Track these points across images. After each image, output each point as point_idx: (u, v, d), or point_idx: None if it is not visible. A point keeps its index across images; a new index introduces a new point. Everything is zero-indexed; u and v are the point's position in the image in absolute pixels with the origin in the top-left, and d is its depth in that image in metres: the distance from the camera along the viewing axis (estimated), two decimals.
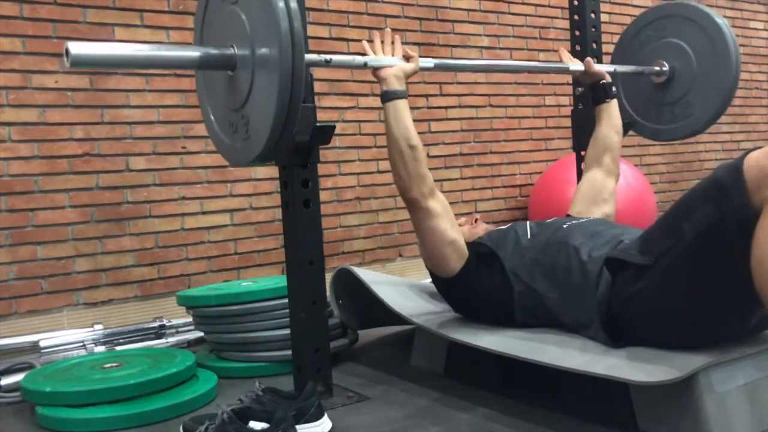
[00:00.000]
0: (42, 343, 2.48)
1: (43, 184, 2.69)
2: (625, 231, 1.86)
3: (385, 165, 3.52)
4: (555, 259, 1.82)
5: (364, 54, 1.93)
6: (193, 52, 1.60)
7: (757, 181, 1.32)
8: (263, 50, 1.49)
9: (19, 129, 2.65)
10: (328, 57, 1.81)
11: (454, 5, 3.82)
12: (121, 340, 2.58)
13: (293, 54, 1.43)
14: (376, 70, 1.89)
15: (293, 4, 1.45)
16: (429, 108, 3.71)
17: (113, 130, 2.82)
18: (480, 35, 3.92)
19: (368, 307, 2.37)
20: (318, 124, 1.85)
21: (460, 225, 2.15)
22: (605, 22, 3.76)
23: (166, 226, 2.93)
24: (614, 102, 2.32)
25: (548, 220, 2.02)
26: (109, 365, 2.10)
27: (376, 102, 3.50)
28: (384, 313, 2.25)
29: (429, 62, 2.01)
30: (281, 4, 1.43)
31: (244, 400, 1.67)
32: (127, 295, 2.83)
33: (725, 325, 1.56)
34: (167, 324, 2.68)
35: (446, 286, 1.99)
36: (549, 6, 4.19)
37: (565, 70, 2.41)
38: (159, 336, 2.65)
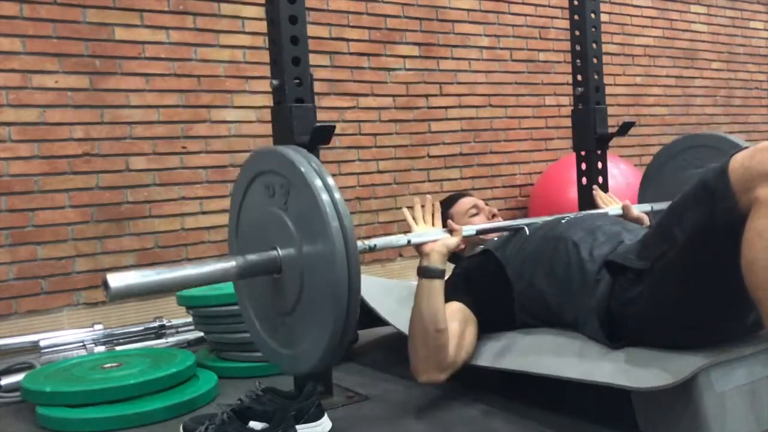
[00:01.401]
0: (42, 343, 2.48)
1: (43, 184, 2.69)
2: (623, 227, 1.86)
3: (384, 165, 3.53)
4: (554, 255, 1.82)
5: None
6: (235, 263, 1.50)
7: (743, 183, 1.33)
8: (313, 249, 1.42)
9: (19, 129, 2.65)
10: (372, 243, 1.72)
11: (454, 5, 3.82)
12: (121, 340, 2.57)
13: (347, 254, 1.37)
14: (419, 245, 1.82)
15: (339, 202, 1.40)
16: (429, 108, 3.71)
17: (113, 130, 2.82)
18: (480, 35, 3.92)
19: (368, 308, 2.37)
20: (318, 124, 1.85)
21: (475, 214, 2.15)
22: (605, 22, 3.76)
23: (166, 226, 2.93)
24: None
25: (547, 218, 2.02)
26: (109, 365, 2.10)
27: (376, 102, 3.52)
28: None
29: (471, 230, 1.92)
30: (329, 207, 1.39)
31: (244, 400, 1.66)
32: None
33: (722, 325, 1.56)
34: (167, 324, 2.67)
35: None
36: (549, 6, 4.19)
37: (605, 215, 2.35)
38: (159, 336, 2.65)
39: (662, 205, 2.54)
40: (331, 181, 1.43)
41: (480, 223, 2.12)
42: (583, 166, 2.68)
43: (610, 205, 2.34)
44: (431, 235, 1.83)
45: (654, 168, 2.77)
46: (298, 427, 1.63)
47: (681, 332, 1.56)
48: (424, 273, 1.78)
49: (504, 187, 4.00)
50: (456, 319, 1.82)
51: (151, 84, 2.91)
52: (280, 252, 1.51)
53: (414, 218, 1.89)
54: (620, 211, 2.26)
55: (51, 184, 2.70)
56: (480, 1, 3.93)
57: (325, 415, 1.72)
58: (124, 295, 1.37)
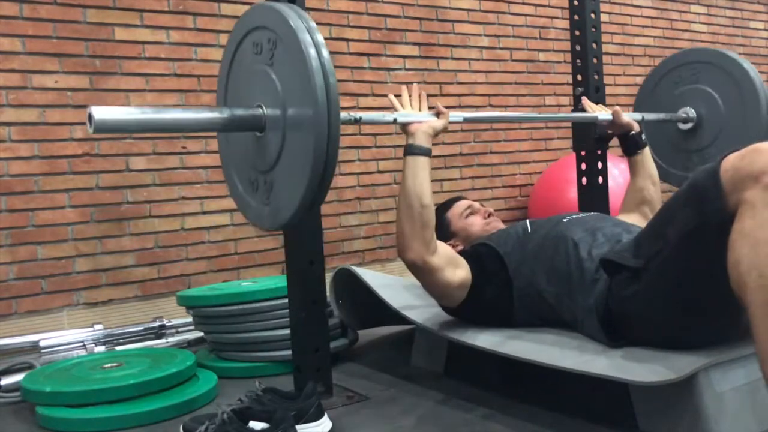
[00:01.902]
0: (42, 343, 2.48)
1: (43, 184, 2.69)
2: (625, 229, 1.86)
3: (384, 165, 3.53)
4: (554, 253, 1.82)
5: (390, 107, 1.87)
6: (220, 114, 1.52)
7: (733, 184, 1.33)
8: (296, 110, 1.42)
9: (19, 129, 2.65)
10: (358, 115, 1.73)
11: (454, 5, 3.82)
12: (121, 340, 2.58)
13: (329, 114, 1.36)
14: (405, 125, 1.83)
15: (327, 60, 1.38)
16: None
17: None
18: (480, 35, 3.92)
19: (368, 307, 2.37)
20: None
21: (471, 214, 2.15)
22: (605, 22, 3.76)
23: (166, 226, 2.93)
24: (647, 151, 2.28)
25: (549, 217, 2.02)
26: (109, 365, 2.10)
27: (376, 102, 3.52)
28: (384, 313, 2.25)
29: (458, 116, 1.94)
30: (314, 62, 1.36)
31: (244, 400, 1.67)
32: (127, 295, 2.83)
33: (718, 324, 1.56)
34: (167, 324, 2.68)
35: (452, 310, 1.99)
36: (549, 6, 4.19)
37: (593, 120, 2.36)
38: (159, 336, 2.65)
39: (653, 116, 2.57)
40: (320, 38, 1.41)
41: (477, 223, 2.12)
42: (583, 166, 2.68)
43: (599, 111, 2.35)
44: (418, 116, 1.85)
45: (649, 84, 2.79)
46: (298, 427, 1.63)
47: (678, 330, 1.57)
48: (410, 150, 1.80)
49: (504, 187, 4.00)
50: (453, 251, 1.88)
51: (151, 84, 2.90)
52: (265, 110, 1.51)
53: (401, 104, 1.89)
54: (610, 117, 2.28)
55: (51, 184, 2.70)
56: (480, 1, 3.93)
57: (325, 415, 1.72)
58: (108, 129, 1.36)
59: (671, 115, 2.63)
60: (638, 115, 2.44)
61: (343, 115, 1.60)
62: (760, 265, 1.26)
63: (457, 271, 1.84)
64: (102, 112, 1.33)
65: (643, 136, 2.30)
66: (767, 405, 1.54)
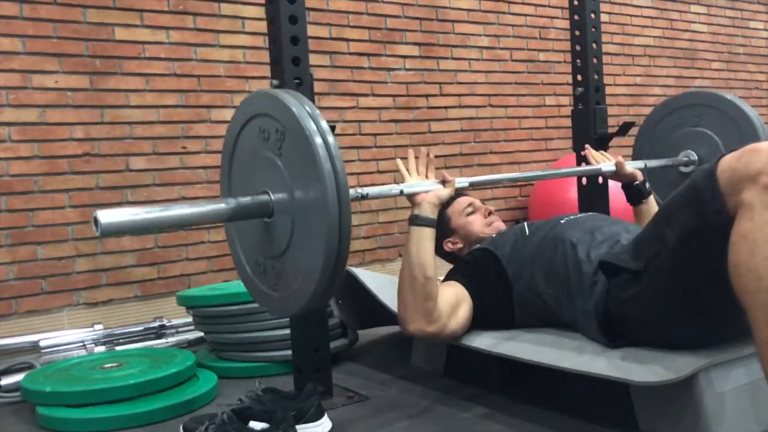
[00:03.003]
0: (42, 343, 2.48)
1: (43, 184, 2.69)
2: (623, 228, 1.86)
3: (384, 165, 3.53)
4: (552, 255, 1.82)
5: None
6: (227, 204, 1.50)
7: (731, 185, 1.33)
8: (305, 195, 1.42)
9: (19, 129, 2.65)
10: (365, 191, 1.72)
11: (454, 5, 3.82)
12: (121, 340, 2.58)
13: (339, 198, 1.36)
14: (411, 195, 1.82)
15: (333, 147, 1.39)
16: (429, 108, 3.71)
17: (113, 130, 2.82)
18: (480, 35, 3.92)
19: (368, 307, 2.37)
20: None
21: (471, 212, 2.15)
22: (605, 22, 3.76)
23: None
24: (651, 199, 2.27)
25: (547, 219, 2.02)
26: (109, 365, 2.10)
27: (376, 102, 3.52)
28: (384, 313, 2.25)
29: (464, 182, 1.93)
30: (321, 149, 1.37)
31: (244, 400, 1.67)
32: (127, 295, 2.83)
33: (718, 325, 1.56)
34: (167, 324, 2.68)
35: None
36: (549, 6, 4.19)
37: (597, 173, 2.36)
38: (159, 336, 2.65)
39: (656, 162, 2.56)
40: (324, 125, 1.42)
41: (477, 222, 2.13)
42: (583, 166, 2.68)
43: (602, 161, 2.35)
44: (424, 185, 1.84)
45: (649, 125, 2.78)
46: (298, 427, 1.63)
47: (677, 331, 1.57)
48: (414, 221, 1.79)
49: (504, 187, 4.00)
50: (452, 290, 1.84)
51: (151, 84, 2.90)
52: (272, 196, 1.50)
53: (408, 170, 1.88)
54: (614, 168, 2.28)
55: (51, 184, 2.70)
56: (480, 1, 3.93)
57: (325, 415, 1.72)
58: (115, 232, 1.37)
59: (673, 160, 2.63)
60: (641, 163, 2.43)
61: (351, 192, 1.58)
62: (759, 268, 1.26)
63: (460, 314, 1.84)
64: (108, 216, 1.33)
65: (647, 185, 2.29)
66: (767, 405, 1.54)
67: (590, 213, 2.06)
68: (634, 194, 2.28)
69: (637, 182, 2.27)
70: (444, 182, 1.85)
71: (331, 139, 1.40)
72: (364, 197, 1.72)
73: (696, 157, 2.62)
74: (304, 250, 1.44)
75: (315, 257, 1.40)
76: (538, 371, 1.72)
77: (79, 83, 2.75)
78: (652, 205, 2.27)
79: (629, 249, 1.65)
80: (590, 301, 1.69)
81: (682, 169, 2.65)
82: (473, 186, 1.99)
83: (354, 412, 1.87)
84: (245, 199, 1.51)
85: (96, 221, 1.33)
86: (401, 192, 1.80)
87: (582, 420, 1.69)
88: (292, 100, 1.45)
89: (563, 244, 1.81)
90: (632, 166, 2.32)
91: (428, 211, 1.80)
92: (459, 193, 2.32)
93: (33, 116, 2.67)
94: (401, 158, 1.91)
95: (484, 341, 1.85)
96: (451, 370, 2.10)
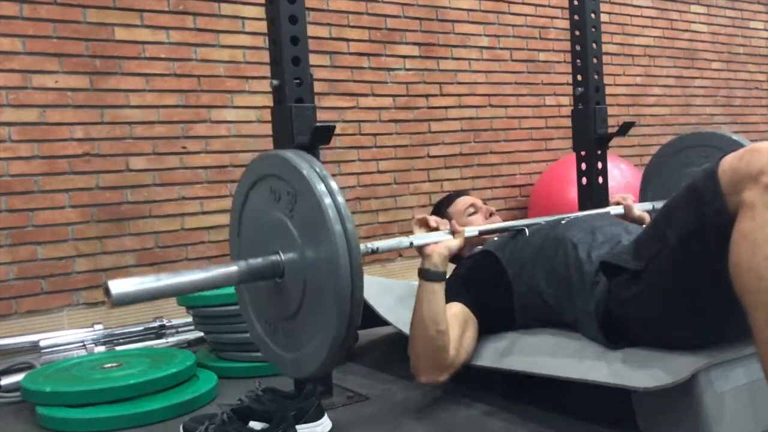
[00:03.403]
0: (42, 343, 2.48)
1: (43, 184, 2.69)
2: (624, 228, 1.86)
3: (384, 165, 3.53)
4: (553, 255, 1.82)
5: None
6: (238, 267, 1.50)
7: (732, 185, 1.33)
8: (316, 255, 1.42)
9: (19, 129, 2.65)
10: (375, 246, 1.71)
11: (454, 5, 3.82)
12: (121, 340, 2.57)
13: (350, 257, 1.38)
14: (421, 247, 1.81)
15: (343, 206, 1.40)
16: (429, 108, 3.71)
17: (113, 130, 2.82)
18: (480, 35, 3.92)
19: (368, 307, 2.37)
20: (318, 124, 1.85)
21: (473, 213, 2.15)
22: (605, 22, 3.76)
23: (166, 226, 2.93)
24: None
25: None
26: (109, 365, 2.10)
27: (377, 102, 3.52)
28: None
29: (473, 231, 1.91)
30: (332, 210, 1.39)
31: (244, 400, 1.66)
32: None
33: (719, 325, 1.56)
34: (167, 324, 2.67)
35: None
36: (549, 6, 4.19)
37: (606, 216, 2.36)
38: (159, 336, 2.65)
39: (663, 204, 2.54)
40: (334, 185, 1.43)
41: (478, 222, 2.13)
42: (583, 166, 2.68)
43: (611, 205, 2.34)
44: (433, 236, 1.83)
45: (655, 165, 2.76)
46: (298, 427, 1.63)
47: (678, 331, 1.57)
48: (426, 276, 1.78)
49: (504, 187, 4.00)
50: (456, 321, 1.82)
51: (151, 84, 2.90)
52: (283, 257, 1.51)
53: (419, 222, 1.89)
54: (622, 211, 2.26)
55: (51, 184, 2.70)
56: (480, 1, 3.93)
57: (325, 415, 1.72)
58: (127, 302, 1.37)
59: None
60: (648, 205, 2.40)
61: (361, 248, 1.56)
62: (760, 267, 1.26)
63: (467, 339, 1.82)
64: (119, 286, 1.35)
65: None
66: (767, 405, 1.54)
67: (591, 212, 2.05)
68: None
69: (644, 225, 2.22)
70: (454, 233, 1.84)
71: (340, 199, 1.41)
72: (374, 252, 1.71)
73: None
74: (315, 313, 1.45)
75: (327, 322, 1.41)
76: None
77: (79, 83, 2.75)
78: None
79: (630, 249, 1.65)
80: (591, 301, 1.69)
81: None
82: (482, 234, 1.97)
83: (354, 412, 1.87)
84: (256, 261, 1.51)
85: (108, 292, 1.34)
86: (411, 244, 1.80)
87: (582, 420, 1.69)
88: (303, 163, 1.46)
89: (564, 245, 1.80)
90: (640, 209, 2.29)
91: (439, 264, 1.79)
92: (461, 192, 2.32)
93: (33, 116, 2.67)
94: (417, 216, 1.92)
95: (485, 356, 1.84)
96: None
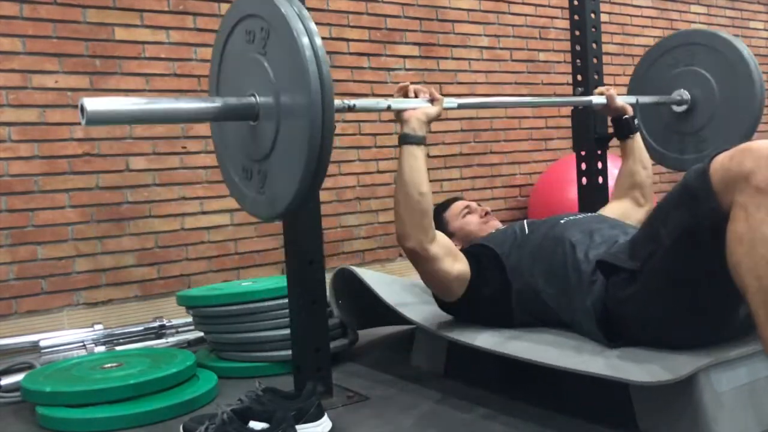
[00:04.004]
0: (42, 343, 2.48)
1: (43, 184, 2.69)
2: (622, 231, 1.86)
3: (384, 165, 3.53)
4: (552, 255, 1.82)
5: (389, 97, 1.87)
6: (213, 103, 1.50)
7: (724, 184, 1.34)
8: (290, 98, 1.40)
9: (19, 129, 2.65)
10: (351, 102, 1.72)
11: (454, 5, 3.82)
12: (121, 340, 2.58)
13: (323, 101, 1.35)
14: (399, 112, 1.83)
15: (320, 48, 1.37)
16: None
17: (113, 130, 2.82)
18: (480, 35, 3.92)
19: (368, 307, 2.37)
20: None
21: (469, 213, 2.16)
22: (605, 22, 3.76)
23: (166, 226, 2.93)
24: (638, 136, 2.28)
25: (546, 218, 2.02)
26: (109, 365, 2.10)
27: None
28: (384, 313, 2.25)
29: (453, 102, 1.94)
30: (308, 50, 1.35)
31: (244, 400, 1.67)
32: (127, 295, 2.83)
33: (716, 324, 1.57)
34: (167, 324, 2.68)
35: (449, 307, 1.99)
36: (549, 6, 4.19)
37: (587, 104, 2.37)
38: (159, 336, 2.65)
39: (647, 98, 2.56)
40: (312, 26, 1.40)
41: (474, 221, 2.13)
42: (583, 166, 2.69)
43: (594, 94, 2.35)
44: (412, 102, 1.84)
45: (644, 65, 2.77)
46: (298, 427, 1.63)
47: (675, 330, 1.57)
48: (405, 140, 1.80)
49: (504, 187, 4.00)
50: (453, 245, 1.88)
51: (151, 84, 2.91)
52: (258, 99, 1.49)
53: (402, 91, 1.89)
54: (604, 100, 2.28)
55: (51, 184, 2.70)
56: (480, 1, 3.93)
57: (325, 415, 1.72)
58: (101, 121, 1.36)
59: (665, 97, 2.62)
60: (632, 98, 2.43)
61: (337, 102, 1.59)
62: (757, 268, 1.27)
63: (456, 264, 1.85)
64: (94, 104, 1.32)
65: (636, 121, 2.29)
66: (767, 405, 1.54)
67: (590, 214, 2.06)
68: (623, 128, 2.28)
69: (626, 116, 2.27)
70: (432, 100, 1.85)
71: (318, 41, 1.38)
72: (351, 108, 1.71)
73: (689, 96, 2.61)
74: (288, 152, 1.43)
75: (298, 159, 1.40)
76: (539, 371, 1.72)
77: (79, 83, 2.75)
78: (638, 141, 2.28)
79: (626, 248, 1.65)
80: (589, 300, 1.69)
81: (675, 107, 2.64)
82: (462, 107, 2.00)
83: (354, 412, 1.88)
84: (232, 100, 1.50)
85: (82, 109, 1.31)
86: (389, 107, 1.81)
87: (582, 420, 1.69)
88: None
89: (562, 244, 1.81)
90: (624, 101, 2.31)
91: (417, 127, 1.80)
92: (456, 197, 2.33)
93: (33, 116, 2.67)
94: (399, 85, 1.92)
95: (484, 340, 1.85)
96: (451, 370, 2.11)
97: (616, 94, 2.29)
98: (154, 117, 1.50)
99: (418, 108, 1.82)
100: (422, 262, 1.82)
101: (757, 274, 1.27)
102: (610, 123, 2.33)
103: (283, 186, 1.48)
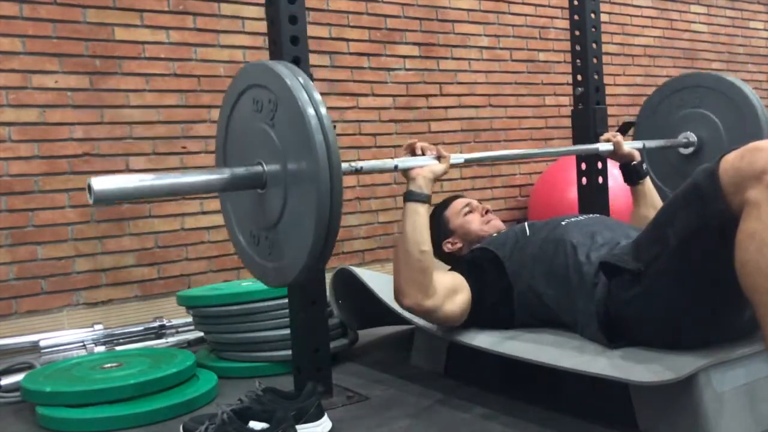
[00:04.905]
0: (42, 343, 2.48)
1: (43, 184, 2.69)
2: (623, 232, 1.86)
3: None
4: (553, 257, 1.82)
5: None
6: (221, 175, 1.50)
7: (734, 185, 1.33)
8: (297, 166, 1.41)
9: (19, 129, 2.65)
10: (359, 165, 1.71)
11: (454, 5, 3.82)
12: (121, 340, 2.58)
13: (330, 169, 1.36)
14: (406, 170, 1.82)
15: (325, 117, 1.38)
16: (429, 108, 3.71)
17: (113, 130, 2.82)
18: (480, 35, 3.92)
19: (368, 307, 2.37)
20: None
21: (470, 212, 2.16)
22: (605, 22, 3.76)
23: (166, 226, 2.93)
24: (648, 180, 2.27)
25: (547, 219, 2.02)
26: (109, 365, 2.10)
27: (376, 102, 3.52)
28: (384, 313, 2.25)
29: (459, 158, 1.93)
30: (313, 120, 1.37)
31: (244, 400, 1.67)
32: (127, 295, 2.83)
33: (719, 323, 1.56)
34: (167, 324, 2.67)
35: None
36: (549, 6, 4.19)
37: (594, 152, 2.36)
38: (159, 336, 2.65)
39: (654, 143, 2.56)
40: (317, 96, 1.41)
41: (475, 220, 2.13)
42: (583, 166, 2.68)
43: (600, 141, 2.33)
44: (419, 161, 1.83)
45: (650, 107, 2.77)
46: (298, 427, 1.63)
47: (678, 331, 1.57)
48: (410, 197, 1.79)
49: (504, 187, 4.00)
50: (451, 277, 1.86)
51: (151, 84, 2.91)
52: (266, 167, 1.50)
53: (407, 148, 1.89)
54: (611, 147, 2.27)
55: (51, 184, 2.70)
56: (480, 1, 3.93)
57: (325, 415, 1.72)
58: (109, 198, 1.35)
59: (672, 141, 2.63)
60: (639, 143, 2.42)
61: (344, 166, 1.57)
62: (767, 268, 1.26)
63: (457, 299, 1.84)
64: (101, 183, 1.32)
65: (645, 165, 2.28)
66: (767, 405, 1.54)
67: (591, 215, 2.05)
68: (632, 174, 2.27)
69: (634, 162, 2.26)
70: (439, 158, 1.84)
71: (323, 110, 1.39)
72: (358, 171, 1.71)
73: (695, 139, 2.61)
74: (296, 221, 1.44)
75: (307, 228, 1.40)
76: (538, 371, 1.72)
77: (79, 83, 2.75)
78: (649, 185, 2.27)
79: (629, 250, 1.65)
80: (591, 302, 1.69)
81: (682, 150, 2.64)
82: (468, 162, 1.99)
83: (354, 412, 1.87)
84: (239, 170, 1.51)
85: (90, 188, 1.31)
86: (396, 167, 1.81)
87: (582, 420, 1.69)
88: (286, 71, 1.44)
89: (564, 246, 1.81)
90: (630, 146, 2.31)
91: (423, 186, 1.79)
92: (456, 195, 2.33)
93: (33, 116, 2.67)
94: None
95: (485, 340, 1.85)
96: (451, 370, 2.11)
97: (623, 140, 2.27)
98: (162, 192, 1.50)
99: (425, 166, 1.82)
100: (422, 315, 1.84)
101: None
102: (618, 169, 2.32)
103: (291, 257, 1.48)
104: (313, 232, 1.38)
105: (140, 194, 1.42)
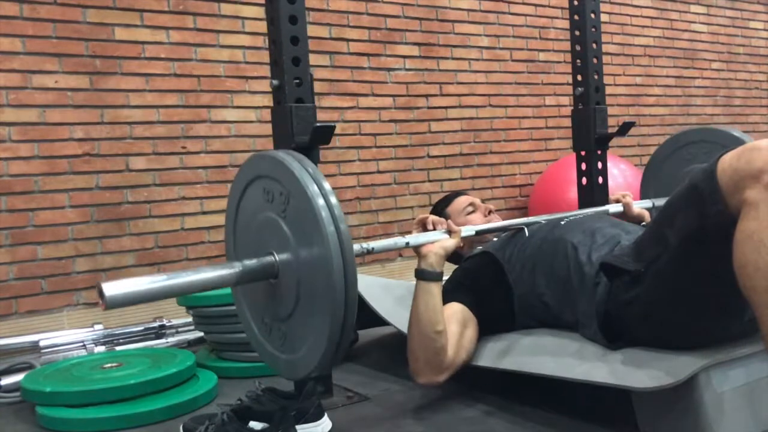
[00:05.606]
0: (42, 343, 2.48)
1: (43, 184, 2.69)
2: (623, 229, 1.86)
3: (385, 165, 3.53)
4: (553, 257, 1.82)
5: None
6: (233, 269, 1.50)
7: (732, 185, 1.32)
8: (309, 255, 1.42)
9: (19, 129, 2.65)
10: (370, 246, 1.70)
11: (454, 5, 3.82)
12: (121, 340, 2.58)
13: (343, 256, 1.37)
14: (417, 247, 1.81)
15: (335, 207, 1.40)
16: (429, 108, 3.71)
17: (113, 130, 2.82)
18: (480, 35, 3.92)
19: (368, 308, 2.37)
20: (318, 124, 1.85)
21: (471, 212, 2.15)
22: (605, 22, 3.77)
23: (166, 226, 2.93)
24: None
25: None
26: (109, 365, 2.10)
27: (376, 102, 3.52)
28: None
29: (470, 230, 1.91)
30: (324, 210, 1.39)
31: (244, 400, 1.66)
32: None
33: (720, 325, 1.56)
34: (167, 324, 2.67)
35: None
36: (549, 6, 4.19)
37: (605, 213, 2.33)
38: (159, 336, 2.65)
39: (663, 201, 2.54)
40: (326, 185, 1.43)
41: (477, 221, 2.13)
42: (583, 166, 2.68)
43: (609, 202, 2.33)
44: (430, 236, 1.82)
45: (655, 163, 2.76)
46: (298, 427, 1.63)
47: (678, 332, 1.57)
48: (422, 276, 1.77)
49: (504, 187, 4.00)
50: (455, 320, 1.82)
51: (151, 84, 2.90)
52: (277, 257, 1.51)
53: (418, 223, 1.89)
54: (621, 209, 2.26)
55: (51, 184, 2.70)
56: (480, 1, 3.93)
57: (325, 415, 1.72)
58: (120, 304, 1.36)
59: None
60: (648, 203, 2.41)
61: (356, 247, 1.57)
62: (766, 268, 1.25)
63: (466, 343, 1.81)
64: (112, 289, 1.34)
65: None
66: (767, 405, 1.54)
67: (589, 213, 2.05)
68: None
69: (644, 223, 2.22)
70: (450, 232, 1.83)
71: (333, 200, 1.41)
72: (369, 252, 1.71)
73: None
74: (310, 315, 1.45)
75: (321, 324, 1.41)
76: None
77: (79, 83, 2.75)
78: None
79: (630, 250, 1.64)
80: (592, 302, 1.69)
81: None
82: (479, 234, 1.96)
83: (354, 412, 1.87)
84: (251, 262, 1.51)
85: (101, 294, 1.33)
86: (407, 244, 1.79)
87: (582, 420, 1.69)
88: (295, 164, 1.46)
89: (564, 246, 1.80)
90: (639, 206, 2.30)
91: (435, 264, 1.78)
92: (459, 192, 2.32)
93: (33, 116, 2.67)
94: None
95: (484, 357, 1.84)
96: None
97: (632, 201, 2.26)
98: (175, 292, 1.49)
99: (435, 242, 1.80)
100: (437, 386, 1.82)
101: (766, 274, 1.26)
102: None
103: (304, 354, 1.49)
104: (329, 326, 1.39)
105: (153, 296, 1.43)
